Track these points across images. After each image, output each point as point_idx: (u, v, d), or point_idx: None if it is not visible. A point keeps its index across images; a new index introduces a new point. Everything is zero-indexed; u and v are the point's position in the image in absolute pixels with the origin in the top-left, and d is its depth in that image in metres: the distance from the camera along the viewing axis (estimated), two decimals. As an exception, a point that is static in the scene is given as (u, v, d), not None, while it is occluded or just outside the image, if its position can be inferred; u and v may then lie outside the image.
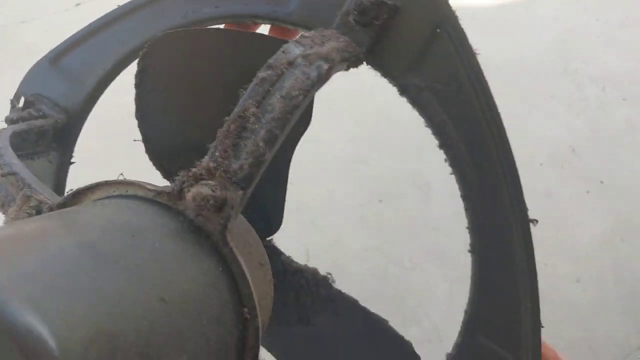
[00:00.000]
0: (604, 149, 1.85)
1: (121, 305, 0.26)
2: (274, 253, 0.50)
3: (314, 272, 0.49)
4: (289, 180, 1.70)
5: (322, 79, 0.35)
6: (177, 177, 0.33)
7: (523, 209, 0.40)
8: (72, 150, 0.52)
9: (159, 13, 0.48)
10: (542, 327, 0.40)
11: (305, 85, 0.34)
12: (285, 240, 1.64)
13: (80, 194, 0.35)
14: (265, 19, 0.46)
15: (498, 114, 0.40)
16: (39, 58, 0.53)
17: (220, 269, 0.32)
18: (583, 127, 1.92)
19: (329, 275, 0.49)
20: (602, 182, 1.74)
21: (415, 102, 0.41)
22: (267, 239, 0.50)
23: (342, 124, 1.97)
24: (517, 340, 0.40)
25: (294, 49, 0.35)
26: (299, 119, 0.42)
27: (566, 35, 2.38)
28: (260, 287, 0.38)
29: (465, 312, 0.42)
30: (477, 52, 0.39)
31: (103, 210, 0.33)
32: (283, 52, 0.35)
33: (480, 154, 0.40)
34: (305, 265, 0.50)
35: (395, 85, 0.42)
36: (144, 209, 0.33)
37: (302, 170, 1.87)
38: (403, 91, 0.42)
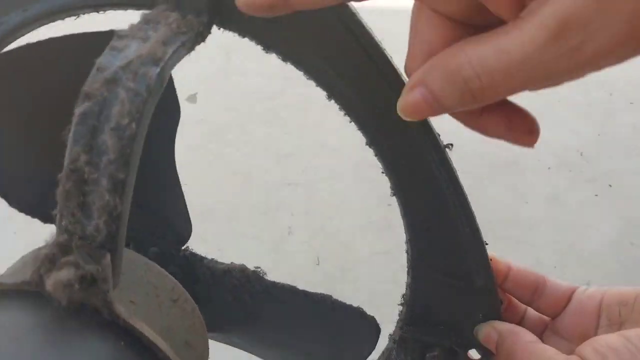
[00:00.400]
0: (611, 153, 1.85)
1: None
2: (195, 260, 0.47)
3: (242, 268, 0.47)
4: (297, 183, 1.69)
5: (155, 88, 0.28)
6: (32, 266, 0.28)
7: (432, 136, 0.37)
8: None
9: None
10: (487, 244, 0.39)
11: (136, 106, 0.27)
12: (296, 245, 1.65)
13: None
14: (84, 7, 0.38)
15: (377, 45, 0.35)
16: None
17: (122, 342, 0.28)
18: (591, 131, 1.93)
19: (258, 269, 0.47)
20: (610, 185, 1.74)
21: (287, 56, 0.36)
22: (182, 247, 0.48)
23: (351, 129, 1.96)
24: (465, 267, 0.39)
25: (110, 61, 0.28)
26: (166, 112, 0.38)
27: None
28: (181, 325, 0.36)
29: (406, 251, 0.41)
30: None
31: None
32: (98, 69, 0.28)
33: (370, 92, 0.36)
34: (232, 264, 0.47)
35: (258, 43, 0.36)
36: (7, 311, 0.28)
37: (312, 176, 1.89)
38: (268, 47, 0.35)
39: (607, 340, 0.33)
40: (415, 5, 0.30)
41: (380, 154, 0.38)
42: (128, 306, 0.31)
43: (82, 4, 0.37)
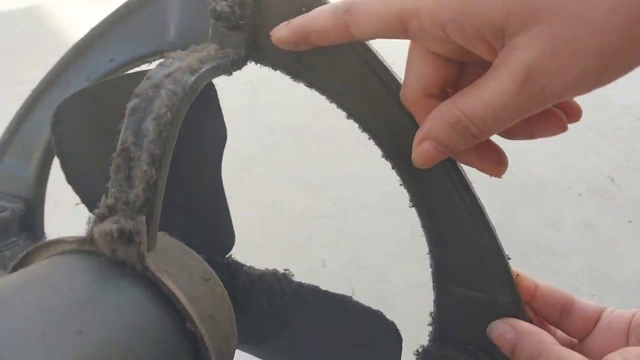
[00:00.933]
0: (642, 178, 1.83)
1: (33, 343, 0.28)
2: (236, 267, 0.51)
3: (274, 272, 0.50)
4: (327, 215, 1.69)
5: (190, 90, 0.36)
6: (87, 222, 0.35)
7: None
8: (42, 232, 0.55)
9: (65, 84, 0.51)
10: (509, 258, 0.40)
11: (173, 101, 0.35)
12: (330, 277, 1.65)
13: (18, 265, 0.37)
14: (154, 55, 0.47)
15: (388, 69, 0.39)
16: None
17: (150, 292, 0.34)
18: (619, 156, 1.91)
19: (287, 271, 0.50)
20: (643, 210, 1.73)
21: (312, 83, 0.41)
22: (227, 255, 0.52)
23: (381, 159, 1.97)
24: (489, 279, 0.40)
25: (157, 72, 0.36)
26: (211, 132, 0.45)
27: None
28: (208, 301, 0.39)
29: (430, 265, 0.42)
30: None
31: (24, 272, 0.35)
32: (147, 78, 0.36)
33: (383, 111, 0.40)
34: (266, 269, 0.51)
35: (288, 74, 0.42)
36: (67, 259, 0.35)
37: (342, 207, 1.90)
38: (297, 77, 0.42)
39: (638, 350, 0.34)
40: (411, 44, 0.36)
41: (397, 166, 0.41)
42: (161, 270, 0.35)
43: (152, 52, 0.47)
